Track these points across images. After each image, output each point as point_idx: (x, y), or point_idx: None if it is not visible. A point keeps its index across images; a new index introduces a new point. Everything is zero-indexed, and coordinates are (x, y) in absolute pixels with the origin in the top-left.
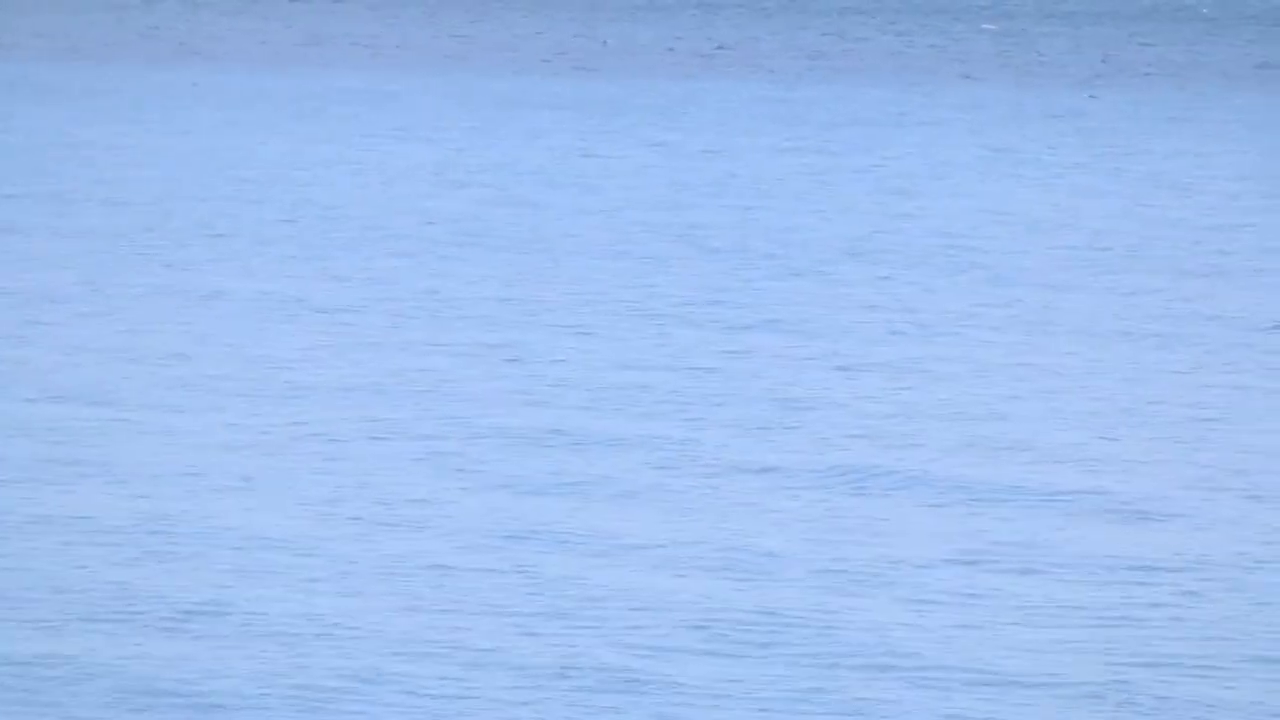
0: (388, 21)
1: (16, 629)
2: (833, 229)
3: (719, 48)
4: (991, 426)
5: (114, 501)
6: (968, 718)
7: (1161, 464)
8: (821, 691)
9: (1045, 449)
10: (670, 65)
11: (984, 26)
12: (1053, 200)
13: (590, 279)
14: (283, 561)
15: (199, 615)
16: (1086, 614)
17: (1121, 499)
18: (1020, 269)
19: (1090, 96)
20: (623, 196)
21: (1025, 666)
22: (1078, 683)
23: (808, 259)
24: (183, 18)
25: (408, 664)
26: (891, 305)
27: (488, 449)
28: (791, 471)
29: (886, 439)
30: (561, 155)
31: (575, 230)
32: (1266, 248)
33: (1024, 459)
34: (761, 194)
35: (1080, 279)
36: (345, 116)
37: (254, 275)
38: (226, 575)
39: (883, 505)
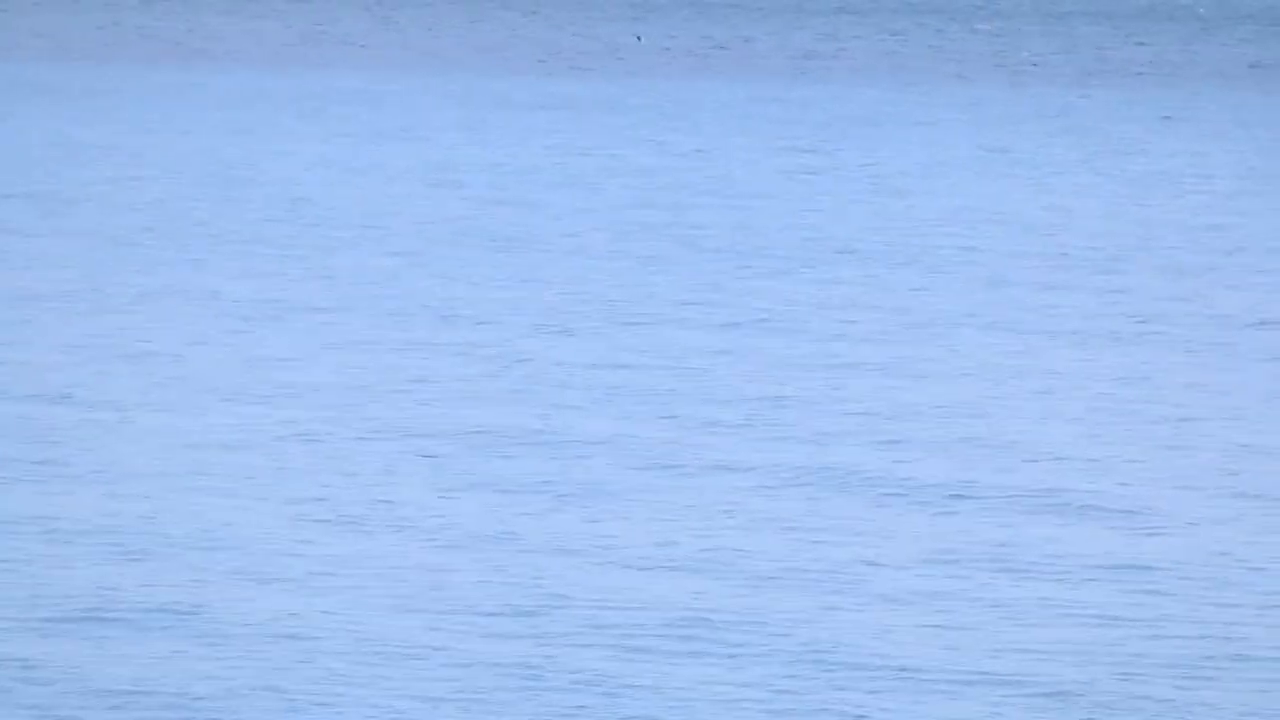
0: (384, 21)
1: None
2: (826, 228)
3: (715, 48)
4: (977, 426)
5: (101, 501)
6: (944, 716)
7: (1145, 464)
8: (794, 693)
9: (1030, 449)
10: (665, 65)
11: (978, 27)
12: (1047, 200)
13: (584, 278)
14: (263, 562)
15: (178, 615)
16: (1064, 614)
17: (1103, 499)
18: (1014, 269)
19: (1083, 96)
20: (618, 196)
21: (1002, 666)
22: (1054, 681)
23: (801, 258)
24: (180, 17)
25: (383, 665)
26: (884, 305)
27: (474, 449)
28: (774, 471)
29: (872, 439)
30: (557, 155)
31: (570, 230)
32: (1260, 247)
33: (1007, 459)
34: (755, 194)
35: (1073, 279)
36: (342, 116)
37: (250, 275)
38: (209, 575)
39: (865, 505)
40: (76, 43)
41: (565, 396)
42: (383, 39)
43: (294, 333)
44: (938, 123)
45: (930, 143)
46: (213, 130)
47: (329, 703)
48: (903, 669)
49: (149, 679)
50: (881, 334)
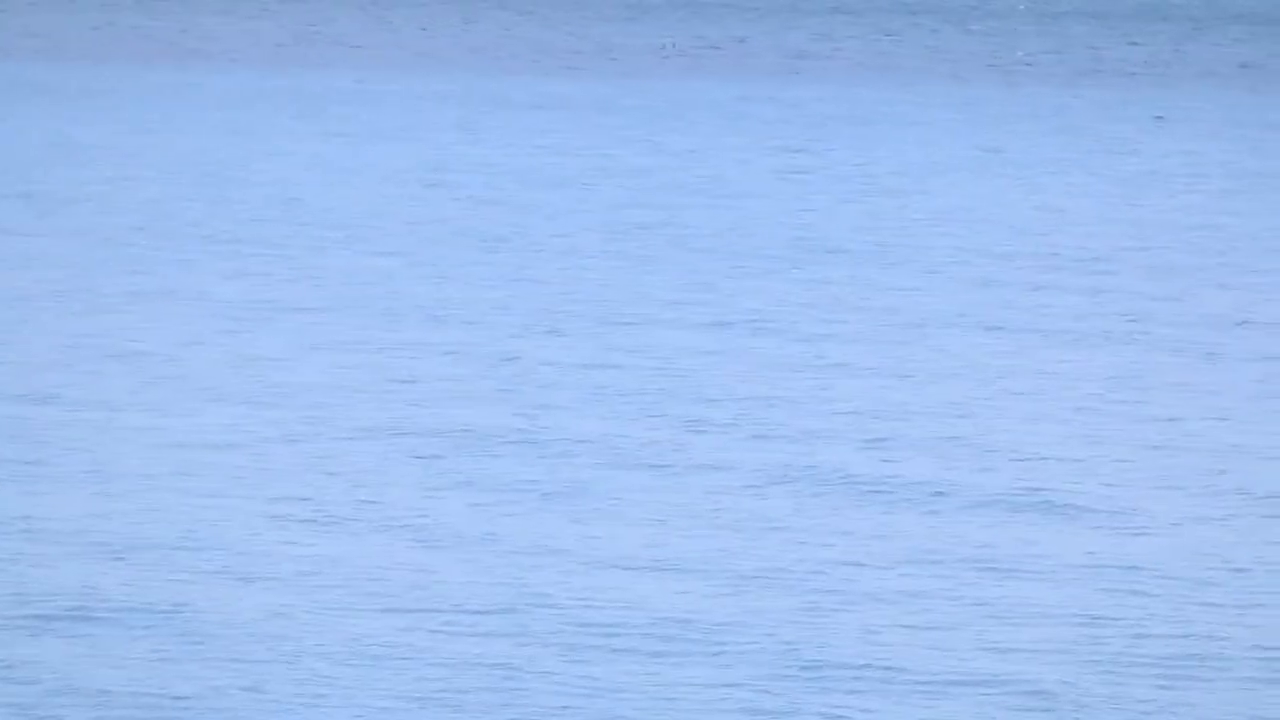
0: (379, 21)
1: None
2: (818, 228)
3: (708, 47)
4: (964, 426)
5: (87, 501)
6: (927, 717)
7: (1131, 464)
8: (776, 694)
9: (1016, 449)
10: (659, 65)
11: (972, 27)
12: (1040, 199)
13: (575, 278)
14: (249, 562)
15: (162, 614)
16: (1048, 614)
17: (1088, 499)
18: (1006, 268)
19: (1076, 96)
20: (610, 196)
21: (985, 666)
22: (1036, 681)
23: (793, 258)
24: (176, 17)
25: (367, 665)
26: (874, 305)
27: (461, 448)
28: (761, 471)
29: (859, 438)
30: (550, 155)
31: (563, 230)
32: (1251, 247)
33: (993, 459)
34: (747, 193)
35: (1065, 279)
36: (337, 116)
37: (241, 276)
38: (194, 575)
39: (850, 505)
40: (73, 43)
41: (554, 396)
42: (377, 39)
43: (284, 333)
44: (931, 123)
45: (923, 142)
46: (207, 130)
47: (314, 703)
48: (886, 669)
49: (133, 679)
50: (872, 334)
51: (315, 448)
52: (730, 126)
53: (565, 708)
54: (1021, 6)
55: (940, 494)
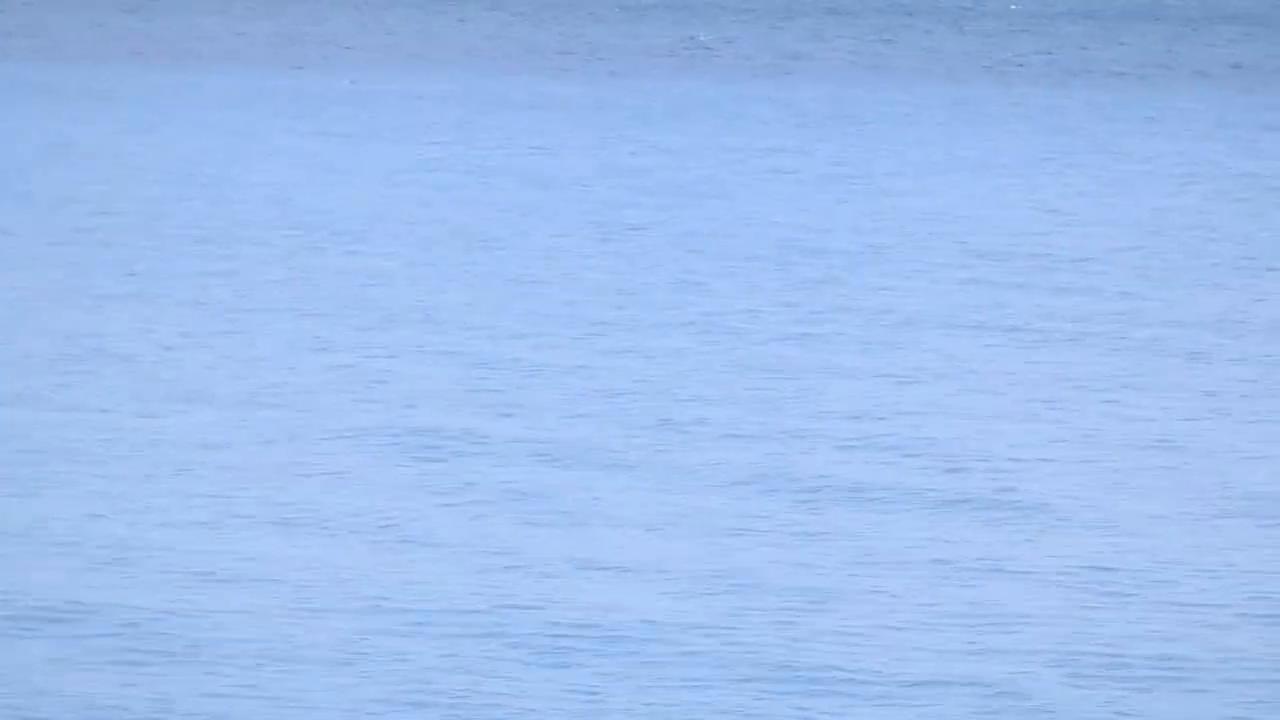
0: (374, 22)
1: None
2: (811, 228)
3: (701, 48)
4: (934, 428)
5: (81, 504)
6: None
7: (1098, 466)
8: (736, 700)
9: (984, 450)
10: (651, 65)
11: (965, 28)
12: (1032, 199)
13: (569, 279)
14: (229, 564)
15: (150, 616)
16: (1012, 617)
17: (1054, 501)
18: (997, 269)
19: (1068, 96)
20: (605, 196)
21: (948, 670)
22: (1003, 684)
23: (784, 259)
24: (173, 17)
25: (324, 669)
26: (864, 306)
27: (451, 451)
28: (735, 473)
29: (836, 441)
30: (544, 155)
31: (557, 230)
32: (1240, 249)
33: (961, 460)
34: (741, 194)
35: (1053, 279)
36: (333, 117)
37: (238, 277)
38: (175, 578)
39: (815, 508)
40: (70, 43)
41: (542, 397)
42: (373, 40)
43: (279, 334)
44: (924, 123)
45: (917, 143)
46: (204, 130)
47: (290, 706)
48: (856, 672)
49: (117, 682)
50: (862, 335)
51: (309, 449)
52: (724, 127)
53: (532, 710)
54: (1015, 7)
55: (915, 495)
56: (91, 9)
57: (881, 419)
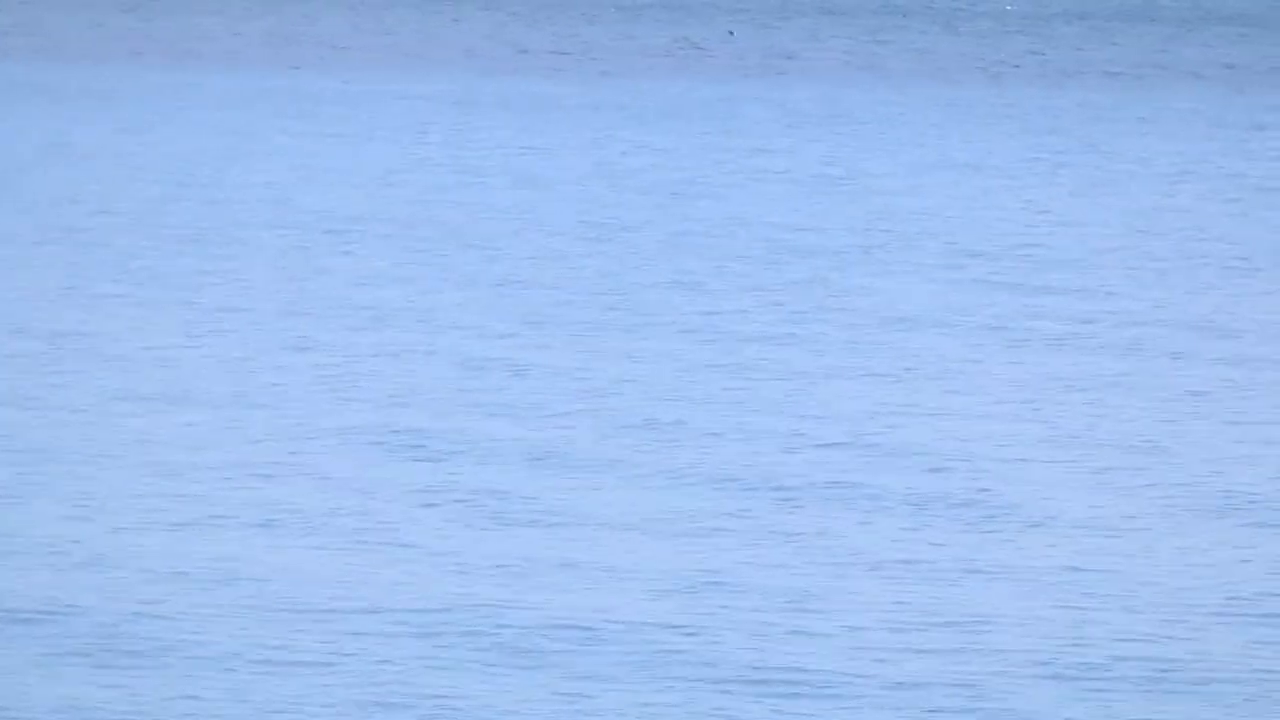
0: (371, 22)
1: None
2: (805, 229)
3: (693, 47)
4: (909, 429)
5: (75, 504)
6: None
7: (1072, 467)
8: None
9: (957, 452)
10: (644, 66)
11: (959, 29)
12: (1024, 200)
13: (562, 279)
14: (212, 568)
15: (138, 619)
16: (979, 619)
17: (1020, 501)
18: (991, 270)
19: (1061, 97)
20: (598, 196)
21: (924, 671)
22: (973, 685)
23: (776, 260)
24: (171, 18)
25: (291, 671)
26: (855, 307)
27: (449, 452)
28: (714, 473)
29: (818, 441)
30: (538, 155)
31: (553, 230)
32: (1232, 251)
33: (935, 461)
34: (734, 194)
35: (1044, 280)
36: (329, 117)
37: (234, 277)
38: (161, 579)
39: (784, 510)
40: (71, 43)
41: (532, 399)
42: (369, 40)
43: (275, 334)
44: (917, 123)
45: (908, 143)
46: (201, 131)
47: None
48: (827, 674)
49: (100, 686)
50: (851, 336)
51: (296, 448)
52: (716, 127)
53: (513, 711)
54: (1009, 8)
55: (896, 495)
56: (90, 9)
57: (866, 418)
